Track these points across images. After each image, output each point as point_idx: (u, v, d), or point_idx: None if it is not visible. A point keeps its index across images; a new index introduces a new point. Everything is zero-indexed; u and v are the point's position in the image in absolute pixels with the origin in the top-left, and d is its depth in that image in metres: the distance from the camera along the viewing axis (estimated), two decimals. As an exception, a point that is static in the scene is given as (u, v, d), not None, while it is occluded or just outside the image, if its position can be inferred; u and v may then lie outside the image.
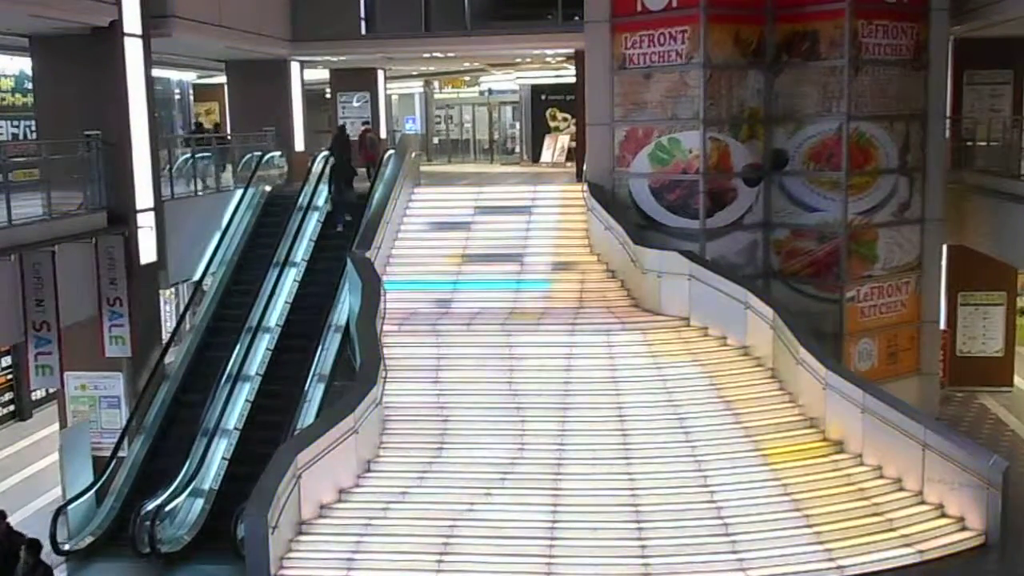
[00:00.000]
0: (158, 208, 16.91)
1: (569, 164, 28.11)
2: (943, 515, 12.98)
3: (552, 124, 32.55)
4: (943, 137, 18.87)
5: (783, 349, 15.42)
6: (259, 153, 22.03)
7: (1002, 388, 20.21)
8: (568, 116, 31.33)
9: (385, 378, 14.62)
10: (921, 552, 12.28)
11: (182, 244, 17.97)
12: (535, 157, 32.12)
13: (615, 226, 18.15)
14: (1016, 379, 20.50)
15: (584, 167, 20.66)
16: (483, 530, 12.53)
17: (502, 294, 18.10)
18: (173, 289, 20.88)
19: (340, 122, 26.64)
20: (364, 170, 25.26)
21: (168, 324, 20.09)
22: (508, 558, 12.04)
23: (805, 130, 17.99)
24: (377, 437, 14.26)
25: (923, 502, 13.21)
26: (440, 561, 12.06)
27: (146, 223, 16.53)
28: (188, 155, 20.49)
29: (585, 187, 19.52)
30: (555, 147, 30.99)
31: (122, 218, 16.07)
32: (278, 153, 23.26)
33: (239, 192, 20.55)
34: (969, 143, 20.51)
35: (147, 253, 16.53)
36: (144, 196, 16.56)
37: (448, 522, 12.64)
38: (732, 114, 18.05)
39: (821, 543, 12.24)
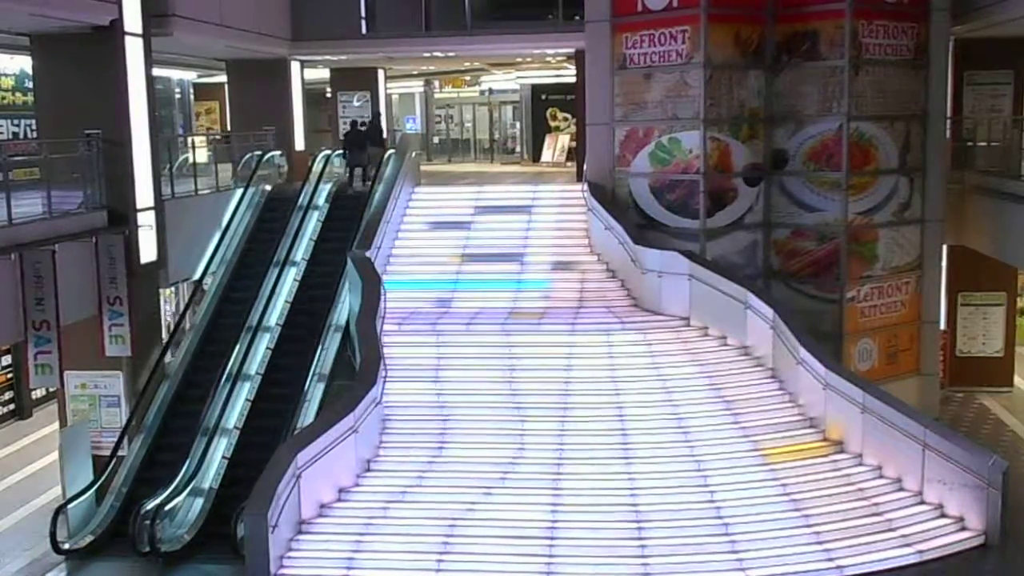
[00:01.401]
0: (158, 207, 16.92)
1: (569, 164, 28.13)
2: (943, 515, 12.98)
3: (552, 124, 32.57)
4: (943, 137, 18.89)
5: (783, 349, 15.43)
6: (259, 152, 22.04)
7: (1002, 388, 20.22)
8: (568, 116, 31.34)
9: (385, 377, 14.64)
10: (920, 552, 12.28)
11: (182, 243, 17.97)
12: (535, 157, 32.13)
13: (615, 226, 18.16)
14: (1016, 379, 20.52)
15: (584, 167, 20.66)
16: (483, 529, 12.54)
17: (502, 293, 18.11)
18: (173, 288, 20.88)
19: (374, 111, 27.48)
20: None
21: (168, 323, 20.09)
22: (508, 557, 12.05)
23: (805, 130, 18.00)
24: (377, 436, 14.28)
25: (923, 502, 13.22)
26: (440, 560, 12.07)
27: (146, 222, 16.54)
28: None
29: (585, 187, 19.53)
30: (555, 147, 31.01)
31: (122, 217, 16.08)
32: (278, 152, 23.27)
33: (239, 191, 20.56)
34: (970, 143, 20.51)
35: (147, 252, 16.54)
36: (144, 195, 16.57)
37: (448, 522, 12.65)
38: (732, 114, 18.06)
39: (820, 543, 12.25)
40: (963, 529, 12.78)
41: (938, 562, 12.24)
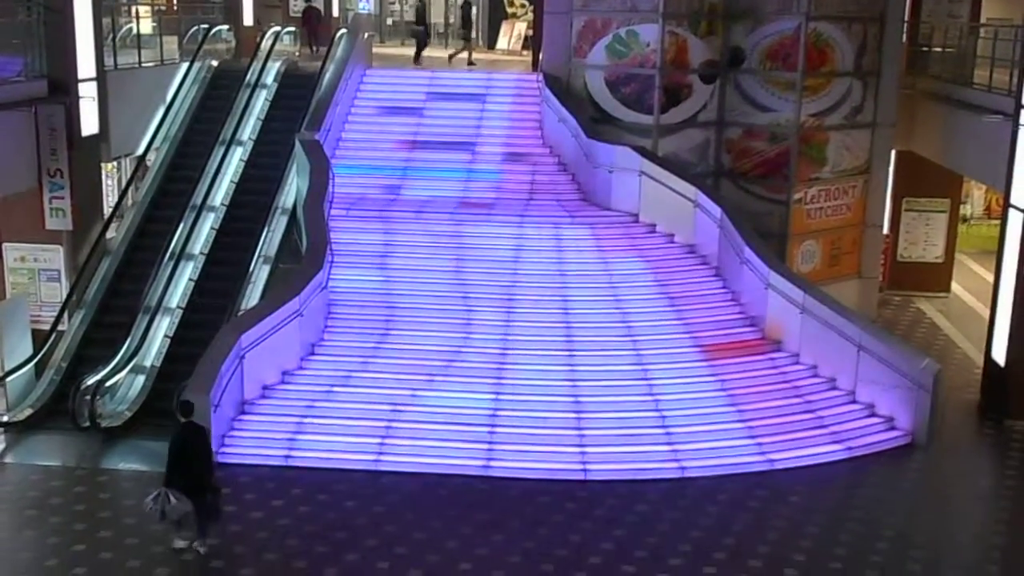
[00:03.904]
0: (100, 78, 16.46)
1: (525, 52, 27.72)
2: (873, 414, 13.43)
3: (510, 10, 31.94)
4: (900, 41, 18.87)
5: (729, 248, 15.62)
6: (206, 25, 21.42)
7: (939, 293, 20.66)
8: (526, 3, 30.76)
9: (331, 262, 14.61)
10: (850, 449, 12.74)
11: (125, 117, 17.56)
12: (491, 44, 31.60)
13: (568, 118, 18.04)
14: (953, 285, 20.95)
15: (540, 56, 20.39)
16: (426, 415, 12.73)
17: (452, 183, 18.02)
18: (115, 163, 20.46)
19: None
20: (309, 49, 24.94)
21: (110, 199, 19.75)
22: (449, 443, 12.29)
23: (764, 28, 17.86)
24: (322, 321, 14.32)
25: (855, 401, 13.65)
26: (382, 443, 12.27)
27: (88, 93, 16.09)
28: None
29: (540, 77, 19.31)
30: (512, 34, 30.46)
31: (63, 87, 15.63)
32: (226, 27, 22.64)
33: (185, 65, 20.03)
34: (925, 48, 20.53)
35: (89, 124, 16.14)
36: (86, 65, 16.08)
37: (391, 406, 12.82)
38: (692, 8, 17.86)
39: (754, 438, 12.63)
40: (892, 428, 13.25)
41: (866, 459, 12.70)
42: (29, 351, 14.48)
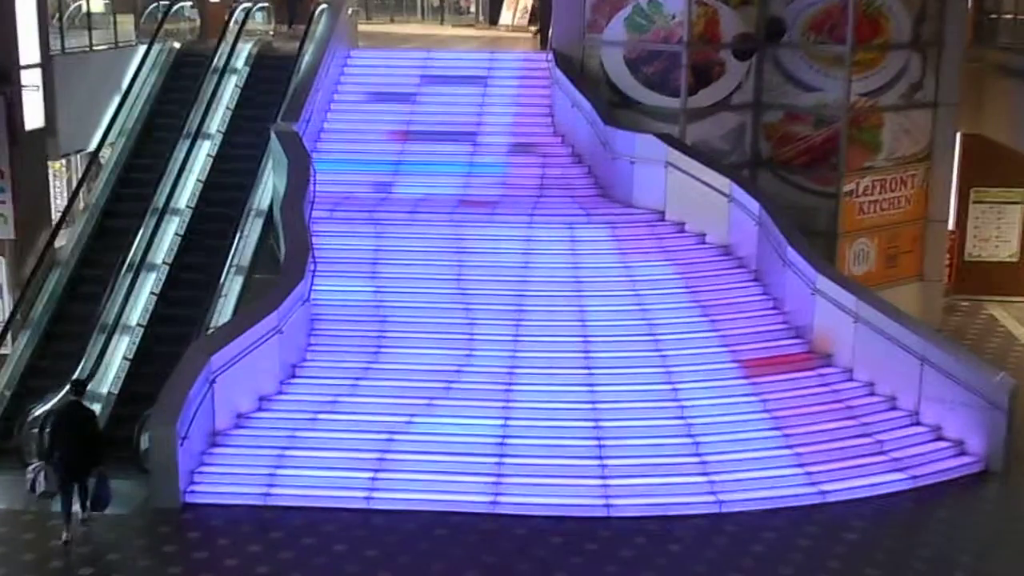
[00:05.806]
0: (46, 64, 16.56)
1: (532, 28, 27.86)
2: (940, 438, 13.40)
3: (513, -20, 32.10)
4: (964, 8, 18.89)
5: (769, 249, 15.63)
6: (166, 2, 21.55)
7: (1014, 298, 20.61)
8: (532, -29, 30.91)
9: (314, 272, 14.65)
10: (915, 478, 12.70)
11: (75, 108, 17.65)
12: (493, 19, 31.73)
13: (583, 103, 18.09)
14: (1030, 288, 20.94)
15: (550, 32, 20.44)
16: (424, 445, 12.74)
17: (451, 179, 18.08)
18: (64, 161, 20.56)
19: None
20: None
21: (58, 202, 19.85)
22: (451, 476, 12.28)
23: (806, -5, 17.95)
24: (304, 339, 14.35)
25: (919, 423, 13.62)
26: (374, 479, 12.28)
27: (31, 82, 16.19)
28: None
29: (550, 56, 19.37)
30: (516, 7, 30.62)
31: (4, 75, 15.74)
32: (189, 3, 22.75)
33: (142, 48, 20.16)
34: (993, 16, 20.54)
35: (33, 117, 16.25)
36: (29, 50, 16.19)
37: (384, 435, 12.83)
38: (723, -26, 17.94)
39: (802, 466, 12.61)
40: (963, 453, 13.22)
41: (933, 489, 12.67)
42: (-32, 378, 14.55)
